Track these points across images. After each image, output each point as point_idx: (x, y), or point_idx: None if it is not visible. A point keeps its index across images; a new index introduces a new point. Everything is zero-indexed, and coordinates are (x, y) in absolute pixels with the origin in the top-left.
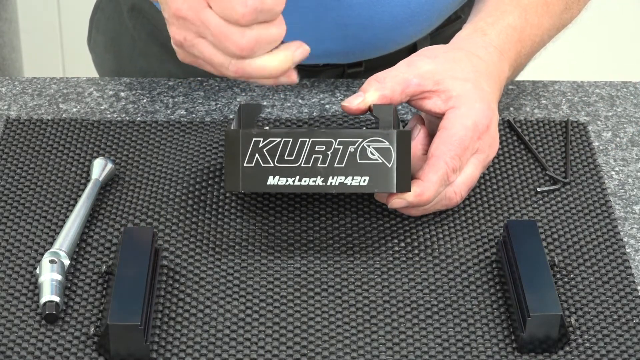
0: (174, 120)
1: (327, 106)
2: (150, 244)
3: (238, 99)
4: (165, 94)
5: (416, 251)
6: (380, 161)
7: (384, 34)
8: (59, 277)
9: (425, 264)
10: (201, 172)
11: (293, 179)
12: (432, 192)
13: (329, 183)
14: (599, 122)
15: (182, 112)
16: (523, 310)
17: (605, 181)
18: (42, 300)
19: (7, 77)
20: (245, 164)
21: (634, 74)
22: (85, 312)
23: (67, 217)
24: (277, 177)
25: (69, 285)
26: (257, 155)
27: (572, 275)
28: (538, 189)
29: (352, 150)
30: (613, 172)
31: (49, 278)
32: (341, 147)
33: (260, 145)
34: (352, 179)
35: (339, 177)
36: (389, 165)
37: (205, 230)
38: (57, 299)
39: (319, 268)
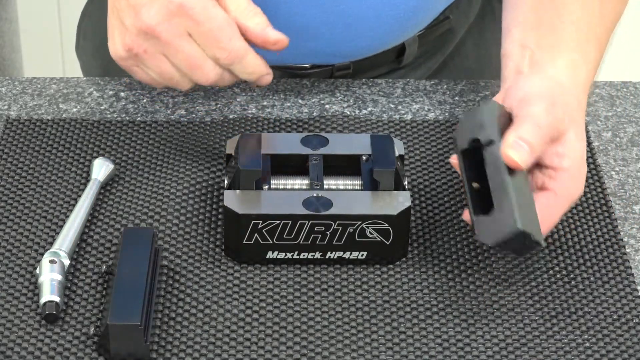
0: (174, 120)
1: (327, 106)
2: (150, 244)
3: (238, 99)
4: (165, 94)
5: (416, 251)
6: (379, 239)
7: (370, 33)
8: (59, 277)
9: (425, 264)
10: (201, 172)
11: (292, 253)
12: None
13: (327, 257)
14: (599, 122)
15: (182, 112)
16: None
17: (605, 181)
18: (42, 300)
19: (7, 77)
20: (245, 242)
21: (634, 74)
22: (85, 312)
23: (67, 217)
24: (276, 252)
25: (69, 285)
26: (256, 234)
27: (572, 275)
28: None
29: (351, 230)
30: (613, 172)
31: (49, 278)
32: (340, 228)
33: (260, 226)
34: (351, 254)
35: (338, 252)
36: (388, 243)
37: (205, 230)
38: (57, 299)
39: (319, 268)
